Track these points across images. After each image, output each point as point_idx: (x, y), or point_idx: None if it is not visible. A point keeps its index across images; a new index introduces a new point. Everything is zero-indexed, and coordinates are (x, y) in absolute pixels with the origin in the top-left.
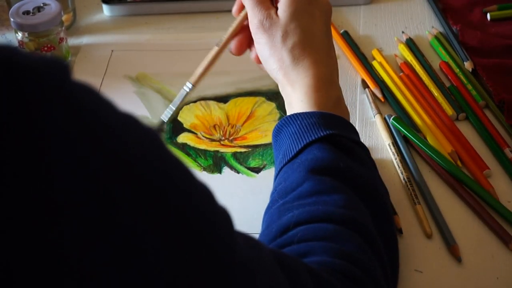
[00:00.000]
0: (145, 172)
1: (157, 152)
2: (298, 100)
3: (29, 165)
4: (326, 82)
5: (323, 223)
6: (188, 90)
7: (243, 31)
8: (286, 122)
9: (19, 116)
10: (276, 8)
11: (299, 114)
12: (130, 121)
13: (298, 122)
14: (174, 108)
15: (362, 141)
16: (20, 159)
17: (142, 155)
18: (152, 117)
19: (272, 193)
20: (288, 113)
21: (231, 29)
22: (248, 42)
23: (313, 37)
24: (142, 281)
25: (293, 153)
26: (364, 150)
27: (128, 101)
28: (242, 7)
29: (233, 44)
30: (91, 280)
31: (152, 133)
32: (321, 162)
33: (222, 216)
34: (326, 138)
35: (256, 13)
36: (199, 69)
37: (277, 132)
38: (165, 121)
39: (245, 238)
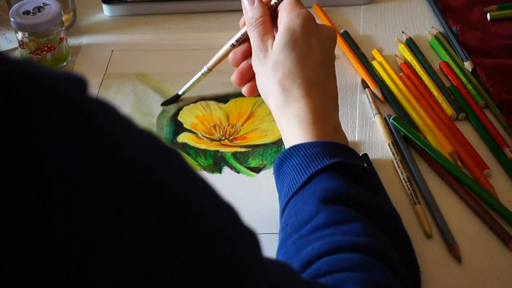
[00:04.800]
0: (164, 191)
1: (177, 171)
2: (294, 134)
3: (34, 182)
4: (320, 114)
5: (346, 253)
6: (203, 72)
7: (242, 46)
8: (289, 154)
9: (26, 131)
10: None
11: (302, 144)
12: (149, 139)
13: (302, 152)
14: (189, 85)
15: (362, 141)
16: (25, 180)
17: (161, 174)
18: (153, 117)
19: (284, 228)
20: (286, 146)
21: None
22: (243, 57)
23: (304, 67)
24: None
25: (299, 184)
26: (374, 176)
27: (128, 101)
28: None
29: (230, 55)
30: None
31: (172, 151)
32: (332, 191)
33: (248, 239)
34: (333, 167)
35: (254, 43)
36: (215, 57)
37: (279, 165)
38: (180, 94)
39: (275, 263)
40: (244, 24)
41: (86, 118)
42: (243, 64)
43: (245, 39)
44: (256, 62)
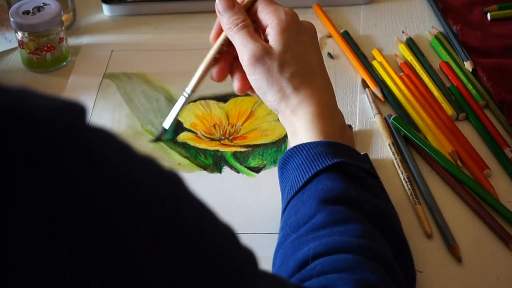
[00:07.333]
0: (164, 215)
1: (178, 195)
2: (303, 129)
3: (36, 211)
4: (329, 110)
5: (341, 254)
6: (186, 95)
7: (224, 58)
8: (292, 153)
9: (25, 161)
10: (266, 41)
11: (305, 144)
12: (148, 165)
13: (305, 152)
14: (174, 115)
15: (362, 140)
16: (26, 208)
17: (161, 199)
18: (153, 116)
19: (283, 227)
20: (292, 143)
21: (208, 57)
22: (228, 69)
23: (309, 65)
24: None
25: (301, 184)
26: (375, 178)
27: (128, 100)
28: (220, 32)
29: (214, 71)
30: None
31: (172, 175)
32: (332, 191)
33: (246, 257)
34: (335, 167)
35: (247, 45)
36: (196, 76)
37: (283, 164)
38: (166, 128)
39: (270, 278)
40: (216, 38)
41: (87, 149)
42: (239, 72)
43: (223, 50)
44: (253, 63)
